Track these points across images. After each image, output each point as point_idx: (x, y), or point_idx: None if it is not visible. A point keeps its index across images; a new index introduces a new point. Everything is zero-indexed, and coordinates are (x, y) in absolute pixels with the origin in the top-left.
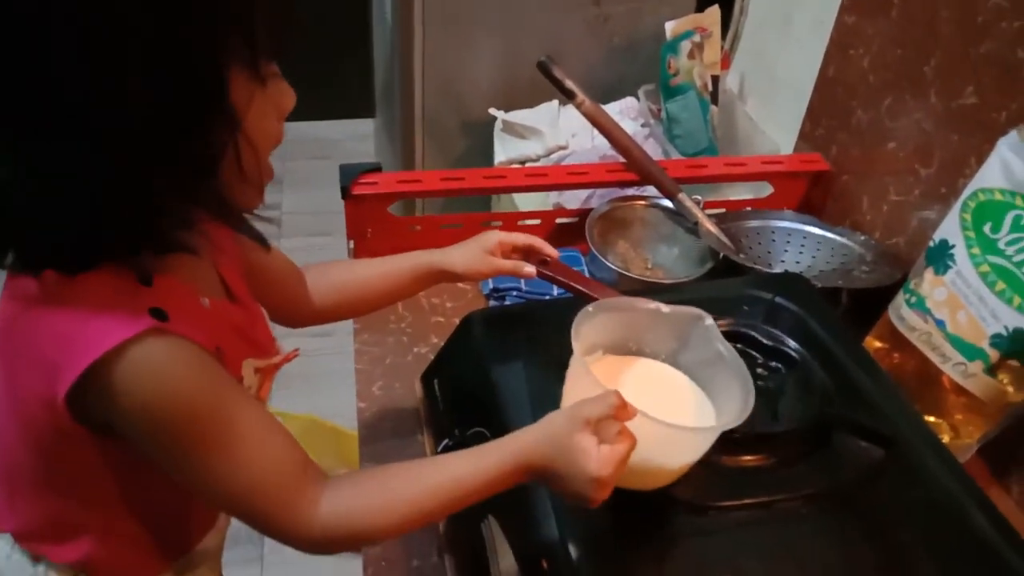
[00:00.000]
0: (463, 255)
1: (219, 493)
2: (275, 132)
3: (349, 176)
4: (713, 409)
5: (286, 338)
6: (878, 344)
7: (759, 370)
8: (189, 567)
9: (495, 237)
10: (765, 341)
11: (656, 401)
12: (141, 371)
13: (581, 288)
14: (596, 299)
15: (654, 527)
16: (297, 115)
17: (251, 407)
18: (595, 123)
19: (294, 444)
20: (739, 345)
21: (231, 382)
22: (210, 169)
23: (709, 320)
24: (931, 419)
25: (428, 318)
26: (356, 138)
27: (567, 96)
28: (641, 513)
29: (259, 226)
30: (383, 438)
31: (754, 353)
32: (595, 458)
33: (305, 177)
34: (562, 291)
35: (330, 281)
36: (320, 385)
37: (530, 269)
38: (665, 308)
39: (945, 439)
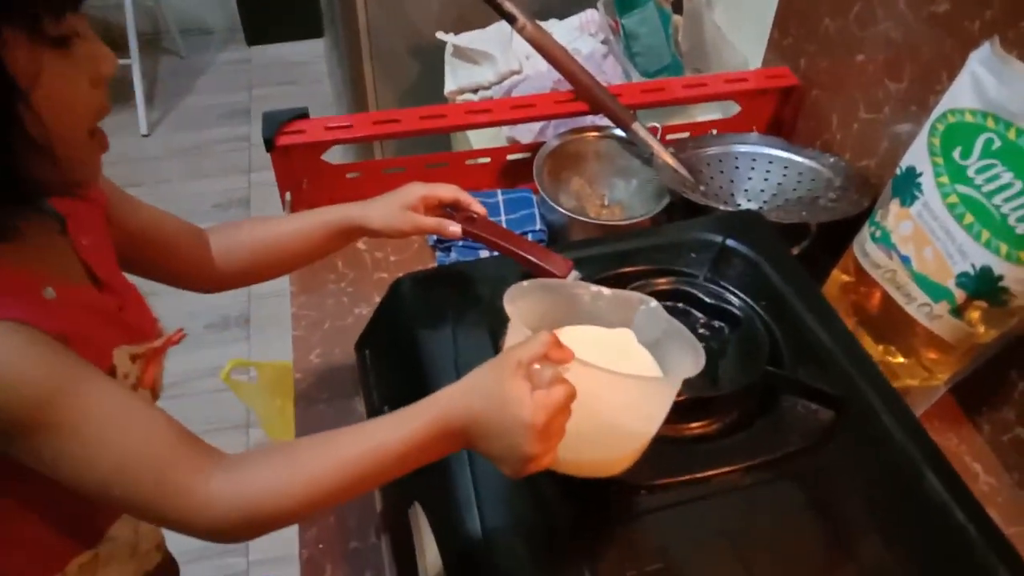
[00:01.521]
0: (381, 211)
1: (86, 481)
2: (89, 101)
3: (272, 125)
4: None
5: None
6: (845, 278)
7: (701, 331)
8: (97, 565)
9: (418, 191)
10: (707, 299)
11: (606, 360)
12: None
13: (510, 247)
14: (526, 258)
15: (581, 514)
16: (258, 39)
17: (105, 387)
18: (539, 48)
19: (168, 422)
20: (680, 304)
21: (79, 364)
22: None
23: (653, 303)
24: (900, 360)
25: (371, 275)
26: (322, 59)
27: (507, 20)
28: (568, 498)
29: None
30: (320, 409)
31: (696, 313)
32: (528, 404)
33: (273, 106)
34: None
35: (238, 242)
36: None
37: (455, 228)
38: (607, 291)
39: (915, 381)
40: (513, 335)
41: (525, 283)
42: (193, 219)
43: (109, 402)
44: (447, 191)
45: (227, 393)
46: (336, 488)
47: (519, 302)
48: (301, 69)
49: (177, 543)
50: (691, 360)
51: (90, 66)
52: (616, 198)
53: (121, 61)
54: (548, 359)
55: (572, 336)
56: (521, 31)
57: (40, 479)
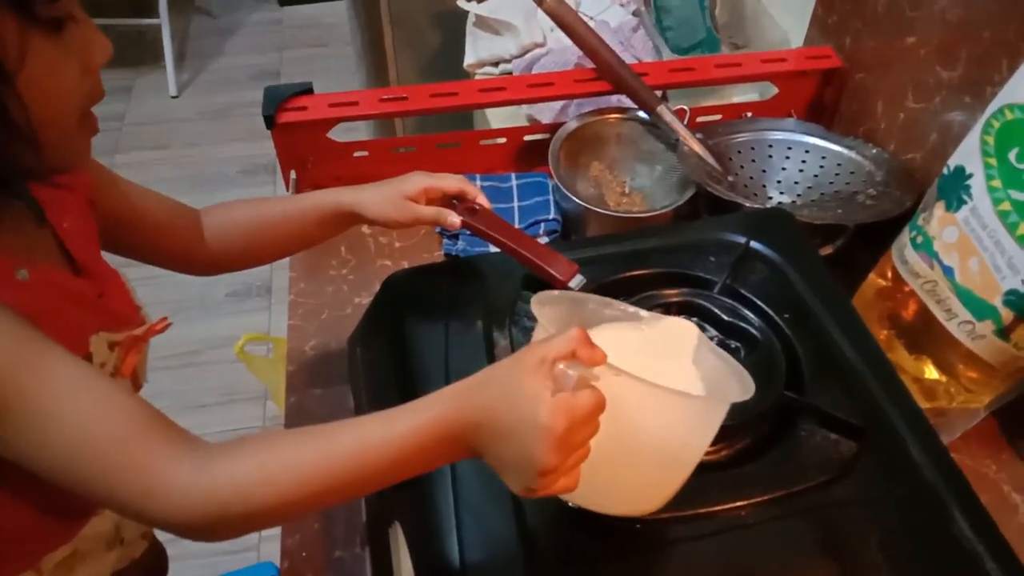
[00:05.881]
0: (377, 199)
1: (43, 461)
2: (79, 88)
3: (273, 102)
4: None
5: None
6: (882, 283)
7: None
8: (75, 561)
9: (420, 182)
10: (723, 316)
11: (649, 365)
12: None
13: (511, 245)
14: (527, 258)
15: (568, 549)
16: None
17: (68, 364)
18: (558, 22)
19: (136, 403)
20: (693, 319)
21: (43, 340)
22: None
23: (697, 332)
24: (939, 377)
25: (374, 262)
26: None
27: None
28: (554, 531)
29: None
30: (311, 406)
31: (710, 329)
32: (547, 404)
33: (303, 69)
34: None
35: (231, 224)
36: None
37: (454, 219)
38: (644, 313)
39: (953, 403)
40: (540, 337)
41: (556, 292)
42: (219, 185)
43: (70, 379)
44: (451, 182)
45: None
46: (326, 487)
47: (546, 308)
48: (333, 31)
49: None
50: (739, 387)
51: (82, 53)
52: (638, 185)
53: (151, 21)
54: (576, 359)
55: (610, 336)
56: (540, 3)
57: (5, 462)
